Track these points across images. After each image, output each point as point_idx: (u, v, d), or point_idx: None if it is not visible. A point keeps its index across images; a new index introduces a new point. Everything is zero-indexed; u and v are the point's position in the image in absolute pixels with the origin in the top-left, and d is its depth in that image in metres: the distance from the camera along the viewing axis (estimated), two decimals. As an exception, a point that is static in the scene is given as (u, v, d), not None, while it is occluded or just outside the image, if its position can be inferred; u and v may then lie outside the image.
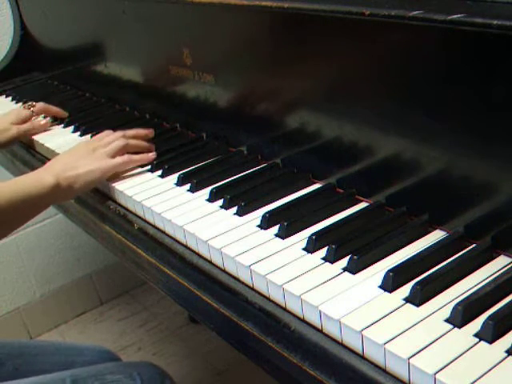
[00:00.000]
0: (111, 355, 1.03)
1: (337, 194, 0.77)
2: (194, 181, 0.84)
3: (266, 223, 0.72)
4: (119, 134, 0.95)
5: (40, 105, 1.20)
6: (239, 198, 0.78)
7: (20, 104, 1.38)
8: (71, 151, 0.91)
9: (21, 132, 1.14)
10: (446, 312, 0.53)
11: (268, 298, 0.63)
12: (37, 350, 0.98)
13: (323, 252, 0.65)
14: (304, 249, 0.67)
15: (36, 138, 1.14)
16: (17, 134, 1.13)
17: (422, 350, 0.50)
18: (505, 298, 0.54)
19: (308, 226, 0.71)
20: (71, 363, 0.97)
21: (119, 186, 0.89)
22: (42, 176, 0.84)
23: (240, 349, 0.66)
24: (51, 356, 0.97)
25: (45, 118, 1.20)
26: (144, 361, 0.95)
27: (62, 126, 1.19)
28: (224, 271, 0.69)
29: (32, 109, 1.18)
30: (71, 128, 1.17)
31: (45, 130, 1.18)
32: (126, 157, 0.91)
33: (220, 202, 0.80)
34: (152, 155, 0.94)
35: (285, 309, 0.61)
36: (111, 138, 0.94)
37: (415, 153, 0.66)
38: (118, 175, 0.92)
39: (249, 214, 0.76)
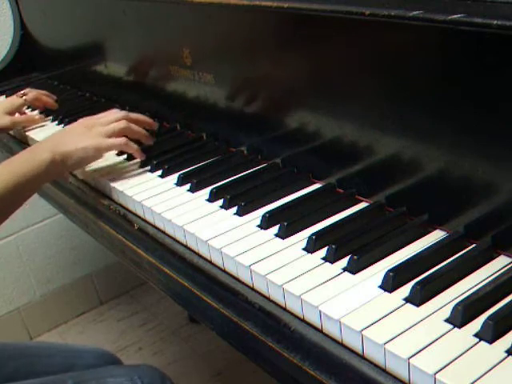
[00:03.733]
0: (112, 357, 1.03)
1: (337, 194, 0.77)
2: (194, 181, 0.84)
3: (265, 223, 0.72)
4: (122, 113, 0.94)
5: (32, 93, 1.21)
6: (239, 198, 0.78)
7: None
8: (68, 128, 0.91)
9: (14, 124, 1.16)
10: (446, 312, 0.53)
11: (268, 298, 0.63)
12: (37, 352, 0.97)
13: (323, 252, 0.65)
14: (304, 249, 0.67)
15: (36, 137, 1.14)
16: (10, 124, 1.15)
17: (422, 349, 0.50)
18: (505, 297, 0.54)
19: (308, 226, 0.71)
20: (71, 365, 0.97)
21: (119, 186, 0.89)
22: (37, 151, 0.84)
23: (240, 349, 0.66)
24: (52, 358, 0.97)
25: (38, 112, 1.25)
26: (145, 364, 0.94)
27: (62, 125, 1.19)
28: (224, 271, 0.69)
29: (25, 97, 1.19)
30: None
31: (41, 126, 1.20)
32: (123, 139, 0.90)
33: (220, 202, 0.80)
34: (143, 156, 0.93)
35: (285, 309, 0.61)
36: (112, 118, 0.92)
37: (415, 153, 0.66)
38: (117, 174, 0.92)
39: (249, 214, 0.76)
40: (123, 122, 0.92)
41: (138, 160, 0.95)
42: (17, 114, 1.21)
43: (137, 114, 0.97)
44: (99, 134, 0.88)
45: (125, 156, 0.98)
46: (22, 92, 1.21)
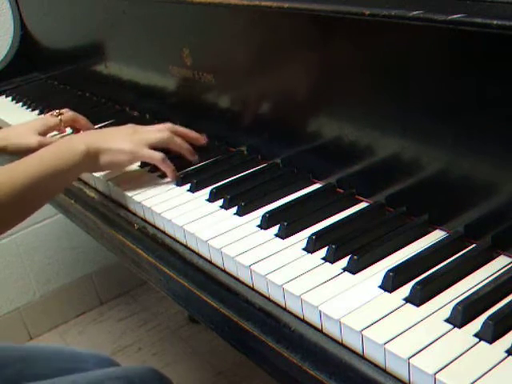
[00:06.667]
0: (111, 363, 1.03)
1: (337, 194, 0.77)
2: (194, 181, 0.84)
3: (265, 223, 0.72)
4: (168, 125, 0.91)
5: (69, 114, 1.09)
6: (239, 198, 0.78)
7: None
8: (111, 128, 0.88)
9: (42, 146, 0.99)
10: (446, 312, 0.53)
11: (268, 298, 0.63)
12: (38, 355, 0.97)
13: (323, 252, 0.65)
14: (304, 249, 0.67)
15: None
16: (37, 145, 0.99)
17: (422, 349, 0.50)
18: (505, 297, 0.54)
19: (308, 226, 0.71)
20: (72, 369, 0.96)
21: (119, 186, 0.89)
22: (73, 142, 0.83)
23: (240, 349, 0.66)
24: (52, 361, 0.97)
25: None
26: (144, 366, 0.94)
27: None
28: (224, 271, 0.69)
29: (60, 117, 1.09)
30: (71, 129, 1.17)
31: None
32: (161, 155, 0.86)
33: (220, 202, 0.80)
34: (176, 177, 0.87)
35: (285, 309, 0.61)
36: (157, 128, 0.89)
37: (415, 153, 0.66)
38: (117, 174, 0.92)
39: (249, 214, 0.76)
40: (167, 133, 0.89)
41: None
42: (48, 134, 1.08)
43: (184, 128, 0.94)
44: (139, 141, 0.86)
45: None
46: (57, 111, 1.09)
